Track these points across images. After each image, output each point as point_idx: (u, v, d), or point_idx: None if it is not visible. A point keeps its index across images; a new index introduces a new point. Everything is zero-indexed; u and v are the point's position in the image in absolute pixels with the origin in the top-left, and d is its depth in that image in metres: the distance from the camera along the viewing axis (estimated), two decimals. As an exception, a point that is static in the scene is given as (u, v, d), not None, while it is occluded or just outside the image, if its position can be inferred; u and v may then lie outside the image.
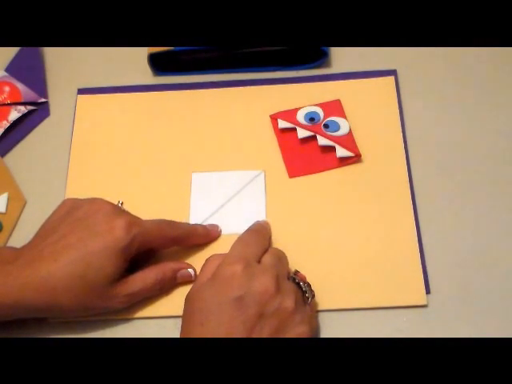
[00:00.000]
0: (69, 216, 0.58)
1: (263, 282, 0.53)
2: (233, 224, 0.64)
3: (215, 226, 0.64)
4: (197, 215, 0.65)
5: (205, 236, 0.63)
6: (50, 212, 0.60)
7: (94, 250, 0.55)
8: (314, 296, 0.57)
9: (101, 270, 0.55)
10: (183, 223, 0.62)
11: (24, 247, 0.58)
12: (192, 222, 0.64)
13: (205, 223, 0.64)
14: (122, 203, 0.61)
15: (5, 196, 0.67)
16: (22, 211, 0.66)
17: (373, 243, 0.62)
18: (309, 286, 0.57)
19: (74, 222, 0.57)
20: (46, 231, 0.58)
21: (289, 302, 0.54)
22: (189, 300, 0.55)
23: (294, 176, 0.66)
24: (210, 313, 0.53)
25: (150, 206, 0.65)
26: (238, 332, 0.52)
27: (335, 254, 0.61)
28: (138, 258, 0.59)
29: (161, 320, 0.60)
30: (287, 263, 0.59)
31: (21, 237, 0.62)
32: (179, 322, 0.59)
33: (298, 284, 0.56)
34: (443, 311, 0.58)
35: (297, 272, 0.58)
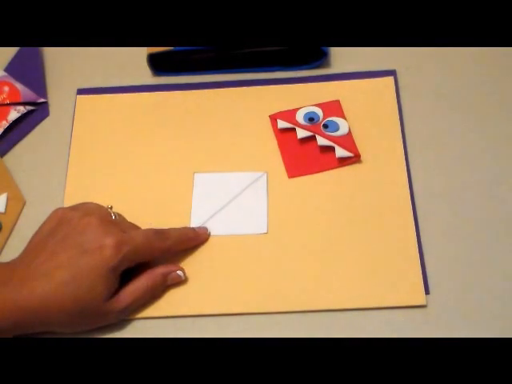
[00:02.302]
0: (59, 230, 0.58)
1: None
2: (234, 225, 0.64)
3: (205, 229, 0.63)
4: (198, 216, 0.64)
5: (194, 239, 0.62)
6: (50, 212, 0.60)
7: (84, 270, 0.55)
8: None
9: (92, 290, 0.55)
10: (173, 230, 0.61)
11: (16, 263, 0.57)
12: (193, 222, 0.64)
13: (206, 224, 0.64)
14: (111, 207, 0.61)
15: (4, 196, 0.67)
16: (21, 211, 0.66)
17: (372, 243, 0.62)
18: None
19: (64, 238, 0.57)
20: (36, 246, 0.58)
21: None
22: None
23: (294, 176, 0.66)
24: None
25: (150, 206, 0.65)
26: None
27: (335, 254, 0.61)
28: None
29: (160, 320, 0.59)
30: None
31: (20, 237, 0.62)
32: (179, 322, 0.59)
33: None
34: (442, 311, 0.58)
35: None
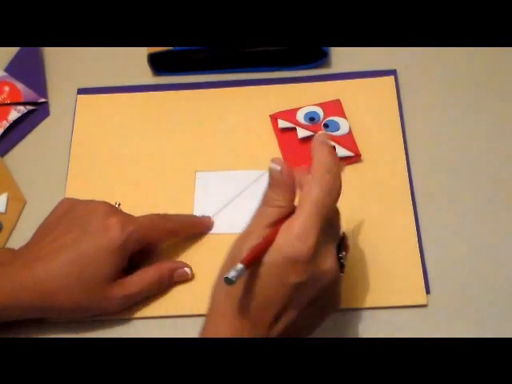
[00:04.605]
0: (65, 216, 0.58)
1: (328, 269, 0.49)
2: (235, 224, 0.64)
3: (208, 217, 0.63)
4: (200, 214, 0.64)
5: (199, 225, 0.63)
6: (50, 212, 0.60)
7: (90, 249, 0.55)
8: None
9: (97, 269, 0.55)
10: (177, 215, 0.62)
11: (21, 248, 0.58)
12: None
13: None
14: (119, 204, 0.61)
15: (4, 196, 0.67)
16: (21, 211, 0.66)
17: (373, 243, 0.62)
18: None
19: (70, 221, 0.57)
20: (42, 231, 0.58)
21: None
22: None
23: (294, 176, 0.66)
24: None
25: (152, 205, 0.65)
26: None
27: (335, 253, 0.61)
28: (134, 258, 0.59)
29: (160, 320, 0.60)
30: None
31: (20, 237, 0.62)
32: (179, 321, 0.59)
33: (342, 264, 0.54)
34: (443, 311, 0.58)
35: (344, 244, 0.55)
